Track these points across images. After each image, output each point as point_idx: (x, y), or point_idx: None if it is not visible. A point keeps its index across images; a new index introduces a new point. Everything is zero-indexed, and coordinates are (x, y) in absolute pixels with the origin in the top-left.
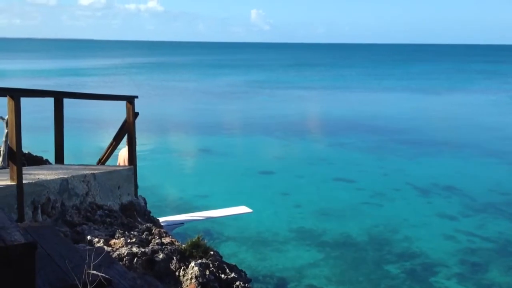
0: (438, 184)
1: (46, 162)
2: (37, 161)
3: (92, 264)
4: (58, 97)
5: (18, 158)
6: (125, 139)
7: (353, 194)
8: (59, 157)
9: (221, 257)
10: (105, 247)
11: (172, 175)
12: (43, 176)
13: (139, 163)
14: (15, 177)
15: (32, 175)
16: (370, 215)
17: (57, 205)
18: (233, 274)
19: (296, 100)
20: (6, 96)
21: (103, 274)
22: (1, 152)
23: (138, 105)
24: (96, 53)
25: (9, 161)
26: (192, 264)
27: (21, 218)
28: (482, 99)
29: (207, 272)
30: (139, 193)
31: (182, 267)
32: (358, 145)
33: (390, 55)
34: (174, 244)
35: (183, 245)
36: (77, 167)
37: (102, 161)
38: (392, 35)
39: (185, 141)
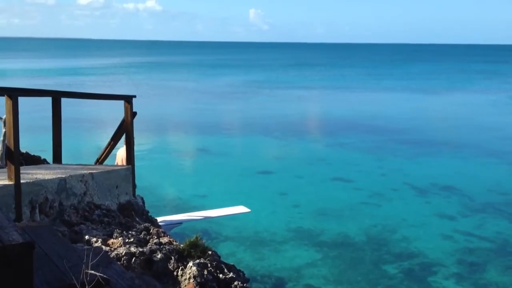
0: (436, 184)
1: (44, 161)
2: (35, 160)
3: (90, 264)
4: (56, 96)
5: (16, 158)
6: (123, 139)
7: (351, 194)
8: (57, 157)
9: (219, 257)
10: (103, 246)
11: (170, 175)
12: (41, 176)
13: (137, 163)
14: (13, 176)
15: (30, 174)
16: (368, 215)
17: (55, 204)
18: (231, 274)
19: (296, 100)
20: (4, 96)
21: (101, 274)
22: None
23: (136, 105)
24: (94, 53)
25: (6, 160)
26: (190, 264)
27: (19, 218)
28: (482, 99)
29: (205, 272)
30: (137, 192)
31: (180, 267)
32: (357, 145)
33: (390, 55)
34: (172, 244)
35: (181, 245)
36: (75, 166)
37: (100, 161)
38: (392, 35)
39: (184, 141)
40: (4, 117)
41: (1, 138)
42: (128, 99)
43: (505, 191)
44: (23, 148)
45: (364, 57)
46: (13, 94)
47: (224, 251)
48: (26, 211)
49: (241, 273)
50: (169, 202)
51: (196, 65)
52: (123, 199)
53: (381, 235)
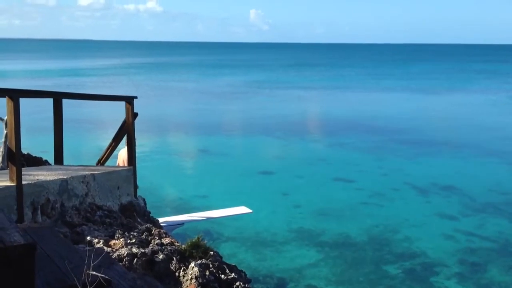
0: (437, 184)
1: (45, 163)
2: (37, 162)
3: (91, 265)
4: (57, 97)
5: (18, 159)
6: (124, 140)
7: (352, 194)
8: (59, 158)
9: (221, 257)
10: (105, 247)
11: (171, 176)
12: (42, 177)
13: (138, 164)
14: (14, 178)
15: (31, 176)
16: (369, 215)
17: (56, 205)
18: (233, 275)
19: (296, 100)
20: (5, 97)
21: (102, 275)
22: (1, 153)
23: (137, 106)
24: (95, 54)
25: (8, 162)
26: (192, 264)
27: (20, 219)
28: (482, 99)
29: (207, 273)
30: (138, 193)
31: (182, 268)
32: (358, 145)
33: (390, 55)
34: (174, 245)
35: (183, 246)
36: (76, 167)
37: (101, 162)
38: (392, 35)
39: (185, 141)
40: (5, 118)
41: (3, 140)
42: (129, 100)
43: (506, 191)
44: (24, 149)
45: (364, 57)
46: (14, 95)
47: (226, 251)
48: (28, 212)
49: (243, 274)
50: (171, 203)
51: (196, 66)
52: (125, 200)
53: (382, 235)
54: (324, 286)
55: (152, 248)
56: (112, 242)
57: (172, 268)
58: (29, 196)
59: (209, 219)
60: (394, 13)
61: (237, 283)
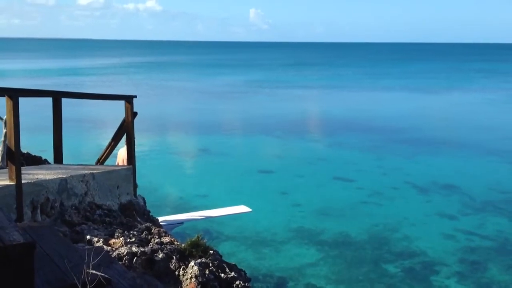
0: (437, 183)
1: (45, 162)
2: (36, 161)
3: (91, 264)
4: (57, 97)
5: (17, 158)
6: (124, 139)
7: (352, 193)
8: (58, 157)
9: (220, 256)
10: (105, 246)
11: (171, 175)
12: (42, 176)
13: (138, 163)
14: (14, 177)
15: (31, 175)
16: (369, 214)
17: (56, 205)
18: (232, 274)
19: (295, 99)
20: (4, 96)
21: (102, 274)
22: (0, 152)
23: (137, 105)
24: (94, 53)
25: (7, 161)
26: (192, 263)
27: (20, 218)
28: (481, 98)
29: (207, 272)
30: (138, 192)
31: (182, 267)
32: (357, 144)
33: (388, 54)
34: (174, 244)
35: (183, 245)
36: (76, 167)
37: (101, 161)
38: (390, 34)
39: (184, 140)
40: (4, 117)
41: (2, 139)
42: (128, 99)
43: (505, 190)
44: (24, 149)
45: (362, 57)
46: (14, 94)
47: (226, 250)
48: (27, 211)
49: (243, 273)
50: (170, 202)
51: (196, 65)
52: (124, 199)
53: (382, 234)
54: (324, 285)
55: (151, 247)
56: (112, 241)
57: (171, 267)
58: (29, 195)
59: (208, 218)
60: (393, 13)
61: (237, 282)
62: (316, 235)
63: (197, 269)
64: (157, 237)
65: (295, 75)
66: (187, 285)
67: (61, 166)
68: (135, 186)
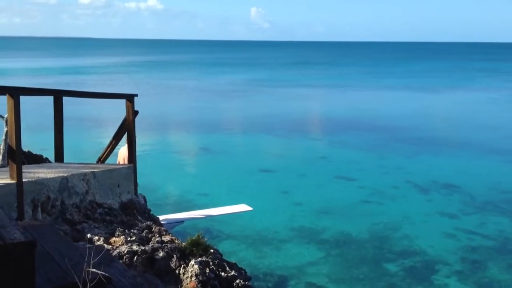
0: (438, 182)
1: (45, 160)
2: (37, 159)
3: (92, 262)
4: (58, 95)
5: (18, 157)
6: (125, 138)
7: (353, 192)
8: (59, 156)
9: (221, 255)
10: (105, 245)
11: (172, 173)
12: (43, 175)
13: (138, 162)
14: (15, 175)
15: (32, 173)
16: (370, 213)
17: (57, 203)
18: (233, 272)
19: (297, 98)
20: (5, 95)
21: (103, 272)
22: (1, 150)
23: (138, 104)
24: (96, 52)
25: (8, 159)
26: (192, 262)
27: (21, 217)
28: (483, 97)
29: (207, 270)
30: (139, 191)
31: (182, 265)
32: (359, 144)
33: (391, 53)
34: (174, 242)
35: (183, 243)
36: (77, 165)
37: (101, 160)
38: (392, 34)
39: (185, 139)
40: (6, 116)
41: (3, 137)
42: (129, 98)
43: (507, 189)
44: (25, 147)
45: (364, 56)
46: (15, 93)
47: (226, 249)
48: (28, 210)
49: (243, 271)
50: (171, 200)
51: (197, 64)
52: (125, 197)
53: (383, 233)
54: (325, 284)
55: (152, 246)
56: (113, 239)
57: (172, 265)
58: (30, 194)
59: (209, 217)
60: (395, 12)
61: (237, 281)
62: (317, 234)
63: (197, 268)
64: (157, 235)
65: (297, 74)
66: (187, 283)
67: (62, 164)
68: (135, 184)
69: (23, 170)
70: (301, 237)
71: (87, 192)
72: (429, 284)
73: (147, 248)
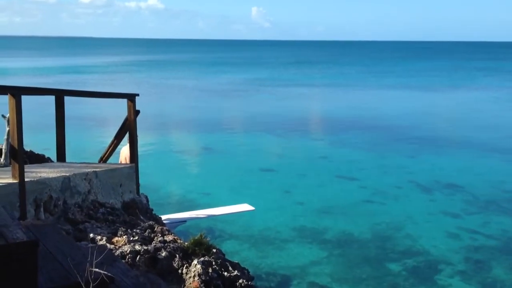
0: (440, 181)
1: (48, 160)
2: (39, 159)
3: (94, 262)
4: (59, 95)
5: (20, 156)
6: (126, 137)
7: (355, 192)
8: (61, 155)
9: (223, 254)
10: (108, 245)
11: (174, 173)
12: (45, 174)
13: (140, 161)
14: (17, 175)
15: (34, 173)
16: (372, 213)
17: (59, 203)
18: (236, 272)
19: (298, 97)
20: (7, 94)
21: (105, 272)
22: (3, 150)
23: (139, 103)
24: (96, 51)
25: (11, 159)
26: (195, 261)
27: (23, 216)
28: (484, 97)
29: (210, 270)
30: (141, 191)
31: (185, 265)
32: (360, 143)
33: (391, 53)
34: (177, 242)
35: (186, 243)
36: (79, 165)
37: (103, 159)
38: (392, 33)
39: (187, 139)
40: (7, 116)
41: (5, 137)
42: (131, 98)
43: (509, 189)
44: (27, 147)
45: (365, 55)
46: (16, 92)
47: (229, 249)
48: (30, 209)
49: (246, 271)
50: (173, 200)
51: (197, 63)
52: (127, 197)
53: (385, 233)
54: (327, 284)
55: (155, 245)
56: (115, 239)
57: (175, 265)
58: (32, 193)
59: (211, 216)
60: (395, 11)
61: (240, 281)
62: (319, 233)
63: (200, 268)
64: (160, 235)
65: (298, 74)
66: (190, 283)
67: (64, 164)
68: (137, 184)
69: (25, 170)
70: (303, 236)
71: (89, 191)
72: (432, 284)
73: (149, 247)
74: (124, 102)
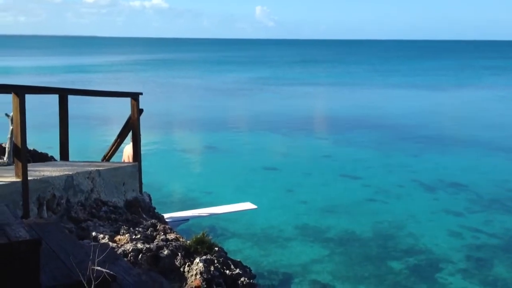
0: (444, 180)
1: (51, 158)
2: (42, 157)
3: (96, 260)
4: (63, 94)
5: (23, 155)
6: (129, 136)
7: (358, 190)
8: (64, 154)
9: (225, 253)
10: (110, 243)
11: (177, 172)
12: (48, 173)
13: (143, 160)
14: (20, 173)
15: (37, 171)
16: (375, 211)
17: (62, 201)
18: (237, 270)
19: (302, 96)
20: (11, 93)
21: (107, 270)
22: (7, 149)
23: (143, 102)
24: (101, 50)
25: (14, 157)
26: (197, 260)
27: (26, 215)
28: (490, 95)
29: (212, 268)
30: (143, 189)
31: (187, 263)
32: (365, 142)
33: (397, 51)
34: (179, 240)
35: (188, 241)
36: (82, 163)
37: (106, 158)
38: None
39: (190, 137)
40: (11, 114)
41: (9, 136)
42: (134, 96)
43: None
44: (30, 145)
45: (370, 54)
46: (20, 91)
47: (231, 247)
48: (33, 208)
49: (248, 269)
50: (176, 198)
51: (202, 62)
52: (130, 195)
53: (388, 232)
54: (329, 282)
55: (157, 244)
56: (117, 237)
57: (177, 263)
58: (35, 192)
59: (214, 215)
60: (401, 10)
61: (242, 279)
62: (322, 232)
63: (202, 266)
64: (162, 233)
65: (303, 72)
66: (192, 281)
67: (67, 163)
68: (140, 183)
69: (28, 168)
70: (306, 235)
71: (92, 190)
72: (434, 283)
73: (152, 246)
74: (127, 101)
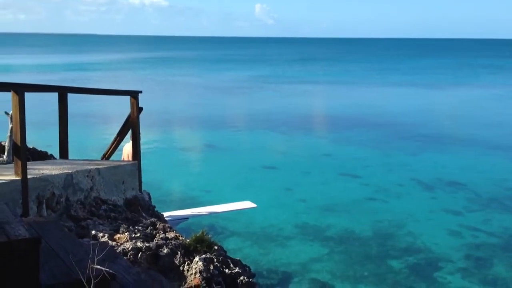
0: (443, 179)
1: (50, 157)
2: (42, 156)
3: (96, 259)
4: (62, 92)
5: (23, 153)
6: (129, 134)
7: (357, 189)
8: (64, 152)
9: (225, 252)
10: (110, 241)
11: (176, 170)
12: (47, 171)
13: (143, 158)
14: (19, 172)
15: (36, 170)
16: (374, 210)
17: (61, 200)
18: (237, 269)
19: (302, 95)
20: (10, 91)
21: (107, 269)
22: (6, 147)
23: (142, 100)
24: (100, 48)
25: (13, 156)
26: (197, 259)
27: (25, 213)
28: (488, 94)
29: (211, 267)
30: (143, 188)
31: (187, 262)
32: (363, 141)
33: (396, 50)
34: (179, 239)
35: (188, 240)
36: (81, 162)
37: (106, 156)
38: (397, 30)
39: (190, 136)
40: (10, 112)
41: (8, 134)
42: (134, 95)
43: (511, 186)
44: (29, 144)
45: (369, 52)
46: (20, 89)
47: (230, 246)
48: (33, 206)
49: (247, 268)
50: (175, 197)
51: (201, 60)
52: (130, 194)
53: (387, 230)
54: (329, 281)
55: (156, 242)
56: (117, 236)
57: (176, 262)
58: (34, 190)
59: (213, 213)
60: (400, 8)
61: (241, 278)
62: (321, 231)
63: (201, 265)
64: (162, 232)
65: (302, 71)
66: (191, 280)
67: (66, 161)
68: (140, 181)
69: (28, 167)
70: (305, 234)
71: (91, 188)
72: (434, 282)
73: (151, 244)
74: (127, 99)
